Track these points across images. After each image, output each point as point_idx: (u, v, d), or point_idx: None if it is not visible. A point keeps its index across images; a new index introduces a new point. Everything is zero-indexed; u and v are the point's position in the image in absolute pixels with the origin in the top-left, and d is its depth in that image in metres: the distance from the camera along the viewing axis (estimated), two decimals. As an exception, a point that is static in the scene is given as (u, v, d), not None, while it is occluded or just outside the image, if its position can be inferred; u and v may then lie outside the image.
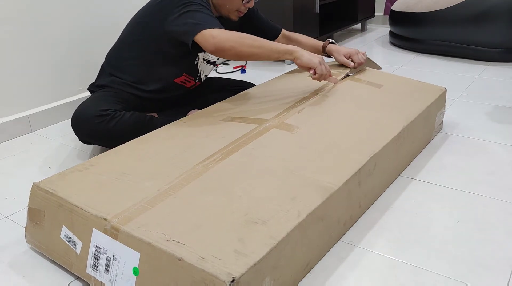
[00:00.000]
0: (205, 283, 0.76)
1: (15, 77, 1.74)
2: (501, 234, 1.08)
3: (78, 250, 0.95)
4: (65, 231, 0.98)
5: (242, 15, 1.52)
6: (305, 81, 1.60)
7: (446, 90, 1.59)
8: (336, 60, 1.67)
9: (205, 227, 0.87)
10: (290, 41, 1.73)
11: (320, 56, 1.38)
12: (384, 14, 3.41)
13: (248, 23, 1.67)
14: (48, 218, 1.01)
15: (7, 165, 1.54)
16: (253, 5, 1.51)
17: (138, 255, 0.84)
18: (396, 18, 2.77)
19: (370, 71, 1.71)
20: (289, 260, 0.88)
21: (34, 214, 1.04)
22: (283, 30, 1.75)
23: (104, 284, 0.91)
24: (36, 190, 1.03)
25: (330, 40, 1.67)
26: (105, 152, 1.18)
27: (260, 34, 1.61)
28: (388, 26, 3.26)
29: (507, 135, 1.58)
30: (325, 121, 1.30)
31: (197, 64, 1.55)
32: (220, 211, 0.92)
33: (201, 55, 1.56)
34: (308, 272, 0.98)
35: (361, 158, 1.12)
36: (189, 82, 1.58)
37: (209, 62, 1.59)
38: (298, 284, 0.95)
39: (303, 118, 1.31)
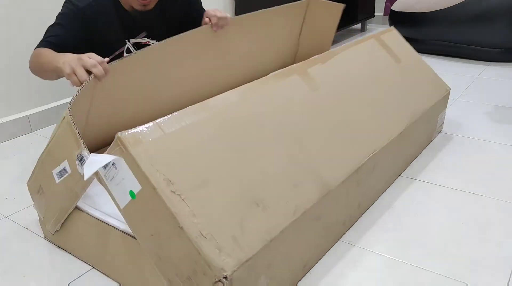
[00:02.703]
0: (195, 264, 0.75)
1: (15, 77, 1.74)
2: (501, 234, 1.08)
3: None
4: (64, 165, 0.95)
5: (147, 2, 1.36)
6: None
7: (449, 91, 1.59)
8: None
9: (211, 187, 0.82)
10: None
11: (74, 58, 1.05)
12: (384, 14, 3.41)
13: (196, 10, 1.57)
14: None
15: (7, 165, 1.54)
16: None
17: (139, 186, 0.80)
18: (396, 18, 2.77)
19: (395, 36, 1.62)
20: (284, 258, 0.88)
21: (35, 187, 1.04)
22: None
23: (98, 173, 0.85)
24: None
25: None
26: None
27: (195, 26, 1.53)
28: (388, 26, 3.26)
29: (507, 135, 1.58)
30: (340, 91, 1.23)
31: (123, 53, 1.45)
32: (229, 172, 0.87)
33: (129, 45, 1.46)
34: (307, 272, 0.98)
35: (361, 157, 1.12)
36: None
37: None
38: (298, 284, 0.95)
39: (325, 73, 1.24)
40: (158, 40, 1.49)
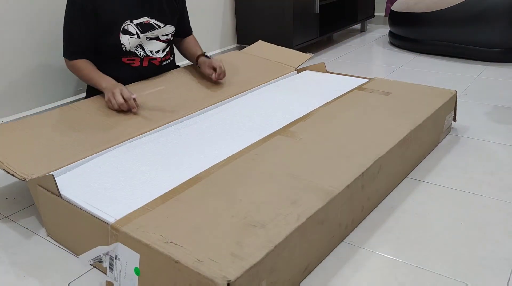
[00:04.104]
0: (199, 283, 0.76)
1: (15, 77, 1.74)
2: (501, 234, 1.08)
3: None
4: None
5: None
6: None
7: (456, 93, 1.59)
8: (203, 72, 1.69)
9: (203, 229, 0.87)
10: (190, 43, 1.78)
11: (114, 89, 1.42)
12: (385, 15, 3.41)
13: (180, 9, 1.71)
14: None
15: (7, 165, 1.54)
16: None
17: (138, 256, 0.85)
18: (396, 19, 2.77)
19: (378, 81, 1.71)
20: (287, 263, 0.88)
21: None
22: (192, 35, 1.82)
23: (113, 284, 0.92)
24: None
25: (205, 53, 1.72)
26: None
27: (179, 25, 1.72)
28: (388, 26, 3.26)
29: (507, 135, 1.58)
30: (330, 128, 1.31)
31: (122, 43, 1.55)
32: (220, 214, 0.92)
33: (131, 39, 1.56)
34: (308, 274, 0.98)
35: (365, 162, 1.12)
36: (134, 62, 1.60)
37: (152, 38, 1.60)
38: (300, 285, 0.95)
39: (307, 126, 1.32)
40: (159, 19, 1.61)
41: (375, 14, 3.44)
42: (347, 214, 1.06)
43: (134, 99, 1.41)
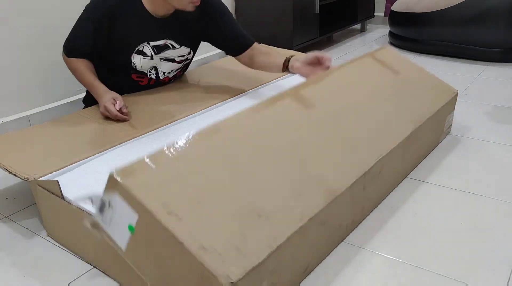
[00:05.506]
0: (202, 277, 0.75)
1: (15, 77, 1.74)
2: (501, 234, 1.08)
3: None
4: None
5: (197, 3, 1.40)
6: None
7: (457, 93, 1.58)
8: (302, 75, 1.42)
9: (208, 204, 0.83)
10: (260, 55, 1.56)
11: (109, 96, 1.38)
12: (385, 15, 3.41)
13: (213, 28, 1.56)
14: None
15: (7, 165, 1.54)
16: None
17: (136, 217, 0.80)
18: (396, 19, 2.77)
19: (389, 51, 1.61)
20: (288, 263, 0.88)
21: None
22: (255, 44, 1.58)
23: (99, 225, 0.88)
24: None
25: (291, 57, 1.47)
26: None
27: (224, 43, 1.56)
28: (388, 26, 3.26)
29: (507, 135, 1.58)
30: (339, 106, 1.23)
31: (133, 62, 1.49)
32: (225, 189, 0.87)
33: (144, 56, 1.50)
34: (308, 274, 0.98)
35: (368, 160, 1.10)
36: (142, 80, 1.56)
37: (166, 59, 1.55)
38: (300, 285, 0.95)
39: (320, 93, 1.23)
40: (179, 42, 1.53)
41: (375, 14, 3.44)
42: (348, 214, 1.06)
43: (125, 113, 1.37)
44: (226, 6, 1.58)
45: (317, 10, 2.67)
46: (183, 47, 1.55)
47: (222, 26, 1.55)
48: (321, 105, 1.21)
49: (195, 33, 1.56)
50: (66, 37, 1.48)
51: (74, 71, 1.48)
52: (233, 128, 1.01)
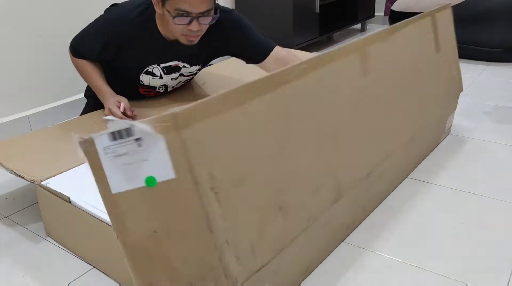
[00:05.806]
0: (209, 270, 0.71)
1: (15, 77, 1.74)
2: (501, 234, 1.08)
3: None
4: None
5: (195, 39, 1.31)
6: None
7: (459, 93, 1.57)
8: None
9: (246, 187, 0.75)
10: (280, 63, 1.47)
11: (113, 99, 1.38)
12: (384, 15, 3.41)
13: (236, 45, 1.49)
14: None
15: (7, 165, 1.54)
16: (198, 27, 1.26)
17: (171, 175, 0.66)
18: (396, 18, 2.76)
19: (448, 15, 1.53)
20: (290, 265, 0.88)
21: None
22: (276, 50, 1.52)
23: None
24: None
25: None
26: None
27: (242, 56, 1.51)
28: (388, 26, 3.26)
29: (507, 135, 1.58)
30: (384, 85, 1.16)
31: (141, 80, 1.47)
32: (265, 168, 0.79)
33: (154, 75, 1.47)
34: (308, 274, 0.98)
35: (374, 160, 1.09)
36: (150, 93, 1.55)
37: (176, 78, 1.52)
38: (300, 285, 0.95)
39: (379, 56, 1.16)
40: (190, 63, 1.49)
41: (375, 14, 3.43)
42: (349, 215, 1.06)
43: (130, 115, 1.36)
44: (240, 18, 1.49)
45: (317, 9, 2.67)
46: (193, 67, 1.51)
47: (242, 40, 1.48)
48: (373, 76, 1.10)
49: (209, 52, 1.50)
50: (76, 34, 1.43)
51: (79, 70, 1.46)
52: (296, 88, 0.88)
